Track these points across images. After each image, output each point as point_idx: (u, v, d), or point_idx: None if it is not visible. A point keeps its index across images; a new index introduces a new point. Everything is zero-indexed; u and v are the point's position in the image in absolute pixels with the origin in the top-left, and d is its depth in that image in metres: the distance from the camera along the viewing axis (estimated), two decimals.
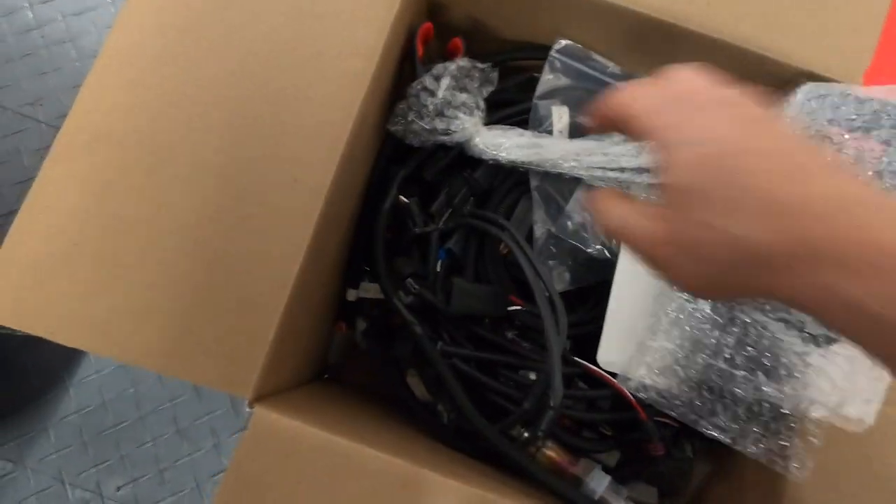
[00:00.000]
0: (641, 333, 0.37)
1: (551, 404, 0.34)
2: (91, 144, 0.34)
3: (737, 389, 0.34)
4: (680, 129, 0.22)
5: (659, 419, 0.39)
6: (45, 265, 0.33)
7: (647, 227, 0.23)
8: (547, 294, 0.36)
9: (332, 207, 0.37)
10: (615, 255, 0.41)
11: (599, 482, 0.35)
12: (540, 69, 0.52)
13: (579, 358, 0.40)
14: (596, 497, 0.34)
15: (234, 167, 0.35)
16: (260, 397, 0.33)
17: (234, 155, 0.35)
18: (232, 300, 0.33)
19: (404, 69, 0.46)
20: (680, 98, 0.23)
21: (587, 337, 0.44)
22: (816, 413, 0.31)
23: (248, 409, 0.32)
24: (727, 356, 0.34)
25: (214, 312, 0.33)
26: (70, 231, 0.33)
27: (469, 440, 0.41)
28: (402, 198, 0.44)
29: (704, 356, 0.35)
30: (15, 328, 0.32)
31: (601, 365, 0.38)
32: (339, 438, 0.32)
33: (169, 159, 0.35)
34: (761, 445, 0.33)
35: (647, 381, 0.36)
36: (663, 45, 0.43)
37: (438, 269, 0.45)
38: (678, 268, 0.22)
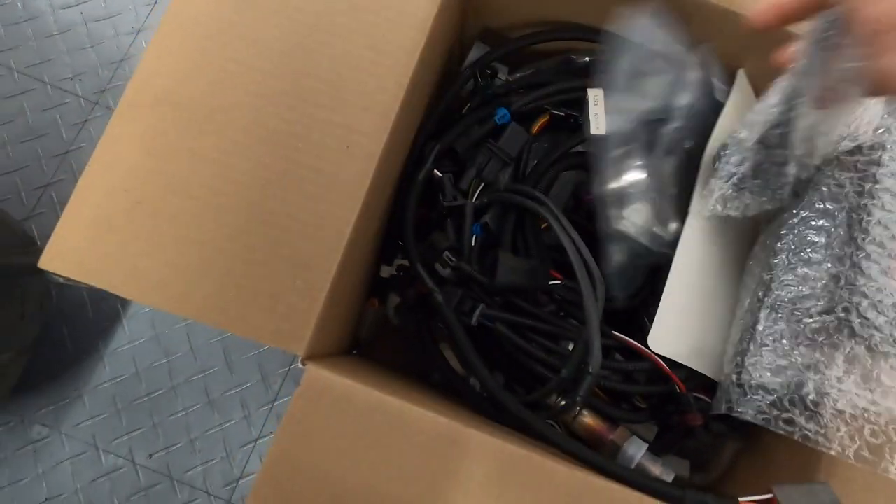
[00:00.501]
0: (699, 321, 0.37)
1: (590, 370, 0.35)
2: (153, 106, 0.36)
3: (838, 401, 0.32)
4: None
5: (695, 394, 0.40)
6: (107, 221, 0.34)
7: None
8: (584, 264, 0.37)
9: (381, 176, 0.38)
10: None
11: (638, 449, 0.36)
12: (574, 50, 0.52)
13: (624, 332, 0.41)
14: (633, 464, 0.35)
15: (289, 132, 0.36)
16: (311, 356, 0.34)
17: (289, 120, 0.36)
18: (286, 260, 0.34)
19: (452, 48, 0.47)
20: None
21: (615, 313, 0.45)
22: None
23: (300, 366, 0.33)
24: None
25: (269, 271, 0.34)
26: (132, 189, 0.35)
27: (503, 411, 0.42)
28: (436, 172, 0.45)
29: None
30: (79, 280, 0.33)
31: (651, 348, 0.38)
32: (389, 397, 0.33)
33: (227, 123, 0.36)
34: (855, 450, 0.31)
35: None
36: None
37: (473, 243, 0.45)
38: None
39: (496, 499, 0.31)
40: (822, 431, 0.31)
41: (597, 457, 0.32)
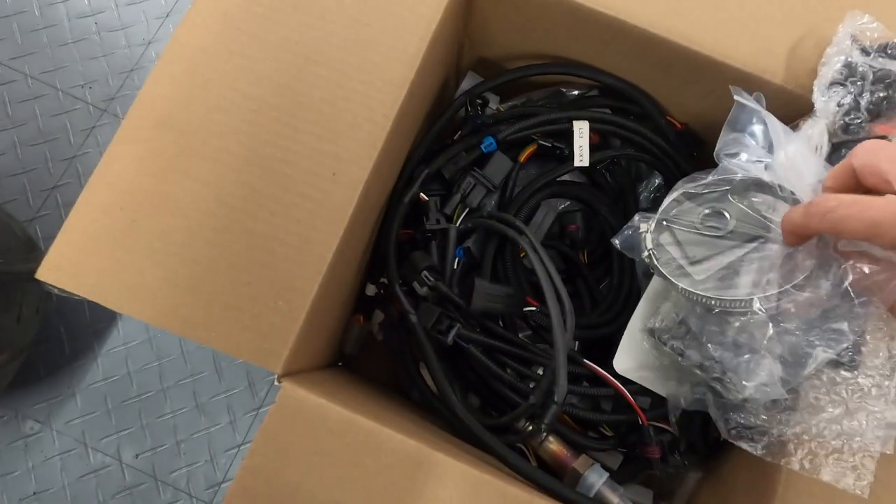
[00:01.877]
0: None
1: (555, 399, 0.36)
2: (153, 130, 0.38)
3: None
4: None
5: (657, 425, 0.41)
6: (104, 237, 0.36)
7: None
8: (556, 294, 0.39)
9: (366, 201, 0.40)
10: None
11: (598, 477, 0.37)
12: (564, 83, 0.54)
13: (589, 360, 0.43)
14: (592, 492, 0.37)
15: (281, 159, 0.38)
16: (288, 374, 0.36)
17: (282, 147, 0.38)
18: (270, 281, 0.36)
19: (448, 77, 0.49)
20: None
21: (596, 340, 0.46)
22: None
23: (276, 384, 0.35)
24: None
25: (253, 291, 0.36)
26: (128, 207, 0.36)
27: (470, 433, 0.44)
28: (422, 195, 0.47)
29: None
30: (73, 293, 0.35)
31: (617, 370, 0.40)
32: (360, 418, 0.34)
33: (223, 148, 0.38)
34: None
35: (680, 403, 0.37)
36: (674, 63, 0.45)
37: (456, 266, 0.47)
38: None
39: None
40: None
41: (555, 483, 0.34)
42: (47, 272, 0.35)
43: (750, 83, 0.42)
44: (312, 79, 0.40)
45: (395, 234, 0.46)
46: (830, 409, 0.31)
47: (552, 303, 0.39)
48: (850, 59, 0.38)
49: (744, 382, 0.31)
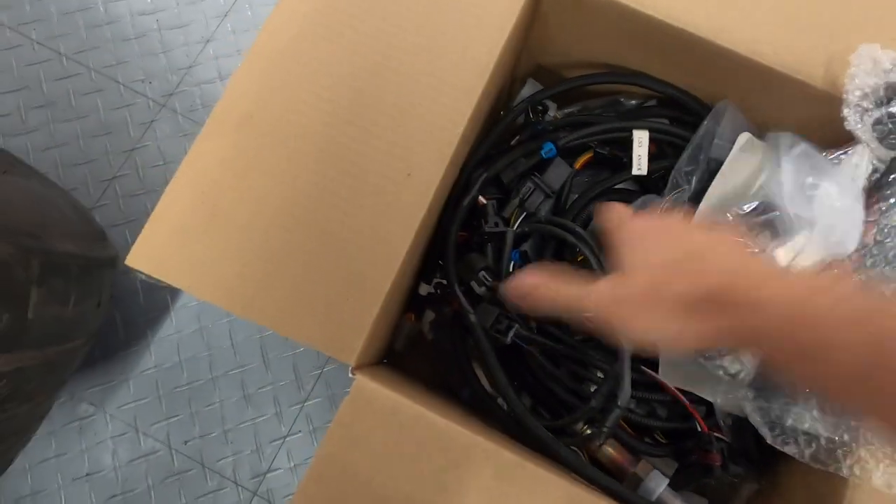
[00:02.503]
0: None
1: (619, 403, 0.37)
2: (236, 127, 0.39)
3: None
4: None
5: (714, 433, 0.41)
6: (187, 229, 0.38)
7: None
8: None
9: (434, 204, 0.41)
10: None
11: (658, 483, 0.37)
12: (622, 93, 0.55)
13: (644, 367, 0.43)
14: (654, 497, 0.37)
15: (355, 160, 0.39)
16: (359, 366, 0.37)
17: (356, 148, 0.39)
18: (344, 275, 0.37)
19: (513, 86, 0.50)
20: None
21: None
22: None
23: (351, 376, 0.36)
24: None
25: (328, 284, 0.37)
26: (211, 202, 0.38)
27: (528, 433, 0.44)
28: (481, 198, 0.48)
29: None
30: (161, 280, 0.36)
31: (661, 377, 0.41)
32: (430, 413, 0.35)
33: (300, 147, 0.39)
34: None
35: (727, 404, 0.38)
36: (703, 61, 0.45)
37: (511, 269, 0.48)
38: None
39: None
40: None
41: (615, 484, 0.34)
42: (137, 260, 0.36)
43: (821, 99, 0.42)
44: (386, 84, 0.41)
45: (455, 237, 0.47)
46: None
47: None
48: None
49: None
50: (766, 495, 0.43)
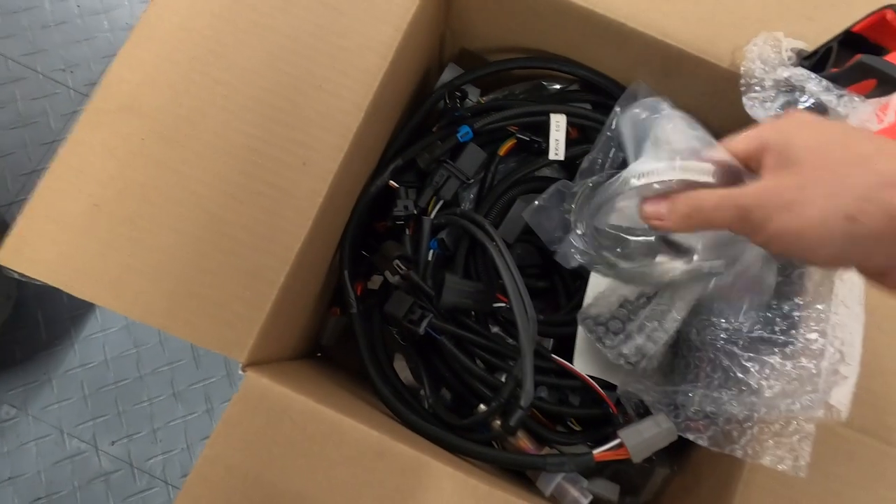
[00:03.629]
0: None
1: (521, 405, 0.36)
2: (119, 113, 0.37)
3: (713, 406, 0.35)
4: None
5: (625, 417, 0.41)
6: (67, 222, 0.36)
7: None
8: (521, 300, 0.38)
9: (337, 192, 0.39)
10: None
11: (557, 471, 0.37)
12: (546, 77, 0.54)
13: (560, 356, 0.43)
14: (553, 483, 0.37)
15: (249, 147, 0.38)
16: (253, 363, 0.36)
17: (251, 135, 0.38)
18: (236, 269, 0.36)
19: (430, 69, 0.48)
20: None
21: (571, 336, 0.46)
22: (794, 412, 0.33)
23: (241, 373, 0.35)
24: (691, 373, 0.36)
25: (219, 280, 0.36)
26: (92, 192, 0.36)
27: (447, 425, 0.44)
28: (392, 182, 0.47)
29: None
30: (34, 277, 0.34)
31: (578, 369, 0.41)
32: (324, 408, 0.34)
33: (190, 134, 0.37)
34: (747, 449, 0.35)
35: (631, 390, 0.38)
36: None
37: (430, 258, 0.47)
38: None
39: None
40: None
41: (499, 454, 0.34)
42: (6, 256, 0.34)
43: (731, 80, 0.42)
44: (283, 66, 0.39)
45: (360, 223, 0.46)
46: (768, 392, 0.31)
47: (518, 309, 0.38)
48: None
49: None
50: (678, 479, 0.43)
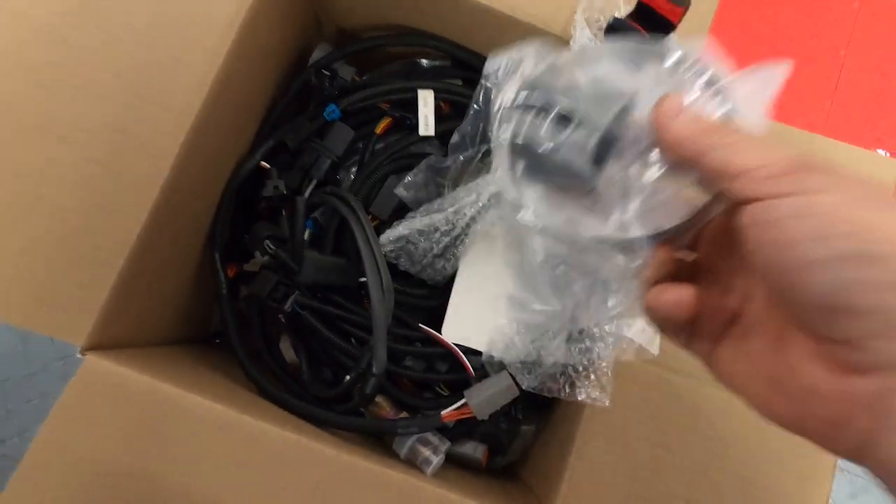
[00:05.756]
0: (484, 312, 0.40)
1: (374, 372, 0.37)
2: None
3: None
4: None
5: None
6: None
7: None
8: (377, 271, 0.39)
9: (186, 174, 0.39)
10: None
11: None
12: (424, 55, 0.55)
13: (431, 326, 0.44)
14: (407, 445, 0.38)
15: (82, 129, 0.37)
16: (98, 348, 0.35)
17: (84, 116, 0.37)
18: (72, 255, 0.36)
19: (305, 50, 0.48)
20: None
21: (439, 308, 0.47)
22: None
23: (79, 356, 0.35)
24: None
25: (53, 265, 0.35)
26: None
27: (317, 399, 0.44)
28: (263, 163, 0.47)
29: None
30: None
31: (446, 337, 0.42)
32: (167, 386, 0.34)
33: (18, 117, 0.36)
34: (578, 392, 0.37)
35: (494, 354, 0.40)
36: None
37: (307, 237, 0.47)
38: None
39: (257, 484, 0.34)
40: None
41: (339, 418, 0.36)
42: None
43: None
44: (118, 44, 0.38)
45: (232, 205, 0.46)
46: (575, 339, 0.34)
47: (373, 279, 0.39)
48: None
49: None
50: (542, 436, 0.45)
